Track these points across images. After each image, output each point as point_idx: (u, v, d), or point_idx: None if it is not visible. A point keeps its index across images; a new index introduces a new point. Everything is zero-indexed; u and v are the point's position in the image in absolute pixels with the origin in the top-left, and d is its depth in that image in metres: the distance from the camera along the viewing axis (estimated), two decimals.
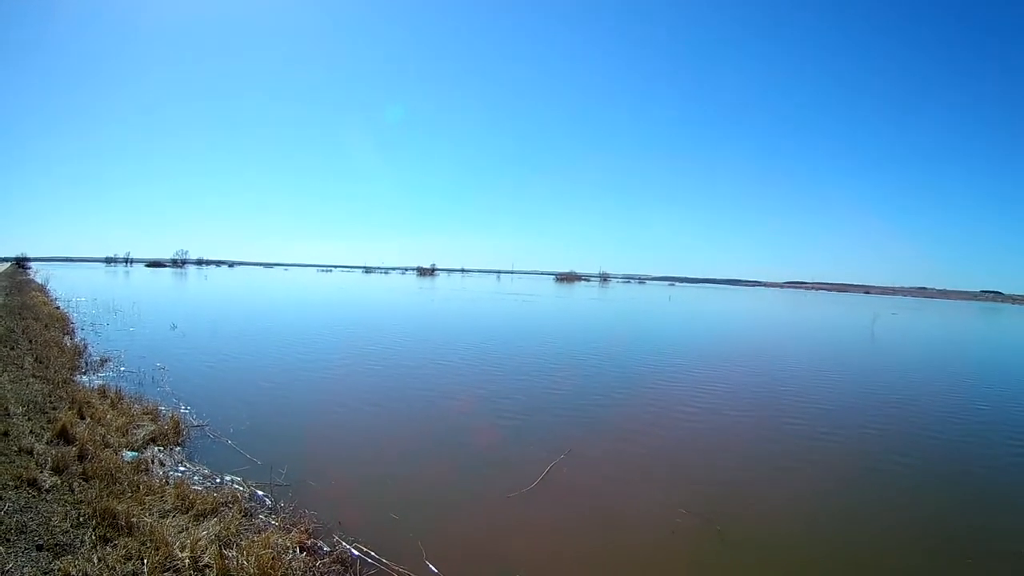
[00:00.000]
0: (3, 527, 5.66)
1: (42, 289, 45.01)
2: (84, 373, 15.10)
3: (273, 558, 5.82)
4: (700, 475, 10.35)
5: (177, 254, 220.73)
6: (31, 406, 10.19)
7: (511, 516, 8.25)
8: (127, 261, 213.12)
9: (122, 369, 16.31)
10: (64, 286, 52.40)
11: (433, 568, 6.48)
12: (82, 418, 9.95)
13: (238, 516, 6.94)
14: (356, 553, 6.63)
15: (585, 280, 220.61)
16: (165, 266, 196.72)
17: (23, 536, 5.61)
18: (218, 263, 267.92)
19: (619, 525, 8.17)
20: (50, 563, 5.26)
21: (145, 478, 7.85)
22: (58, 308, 31.28)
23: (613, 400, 15.84)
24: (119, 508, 6.32)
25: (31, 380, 12.37)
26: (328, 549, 6.64)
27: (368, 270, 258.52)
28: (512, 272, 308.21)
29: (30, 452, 7.82)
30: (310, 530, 6.87)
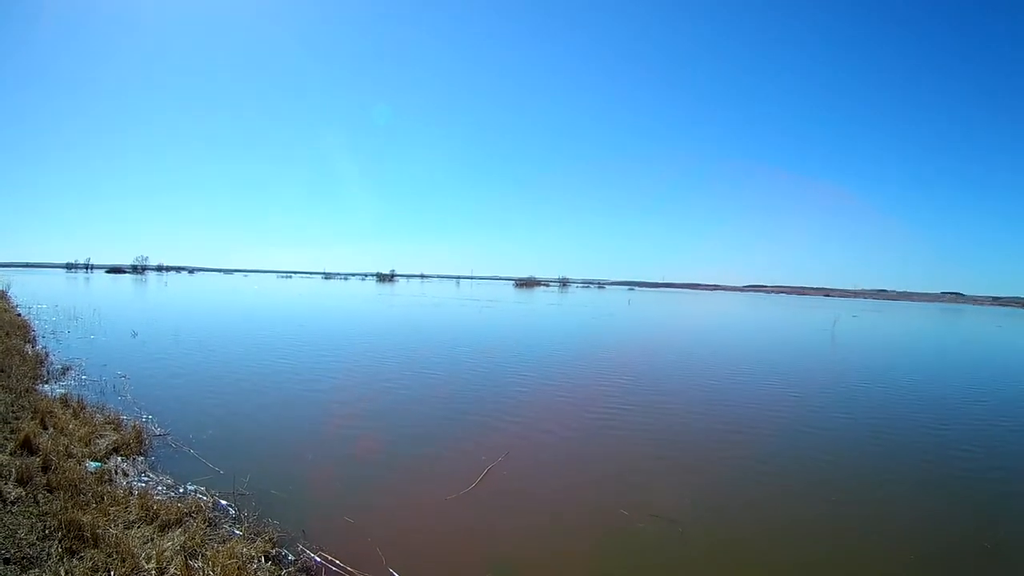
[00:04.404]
0: None
1: (3, 296, 44.13)
2: (46, 382, 14.99)
3: (238, 568, 5.99)
4: (649, 477, 10.66)
5: (137, 260, 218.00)
6: None
7: (457, 518, 8.49)
8: (87, 267, 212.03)
9: (84, 378, 16.19)
10: (25, 292, 51.67)
11: (396, 575, 6.65)
12: (45, 428, 9.96)
13: (202, 526, 7.04)
14: (320, 561, 6.78)
15: (545, 285, 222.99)
16: (125, 272, 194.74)
17: None
18: (178, 269, 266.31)
19: (569, 526, 8.48)
20: None
21: (109, 489, 7.91)
22: (19, 315, 30.78)
23: (555, 403, 16.30)
24: (84, 520, 6.42)
25: None
26: (293, 558, 6.77)
27: (328, 276, 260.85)
28: (472, 278, 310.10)
29: None
30: (274, 539, 7.02)
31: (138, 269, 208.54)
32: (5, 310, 31.63)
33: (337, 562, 6.77)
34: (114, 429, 10.82)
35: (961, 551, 8.14)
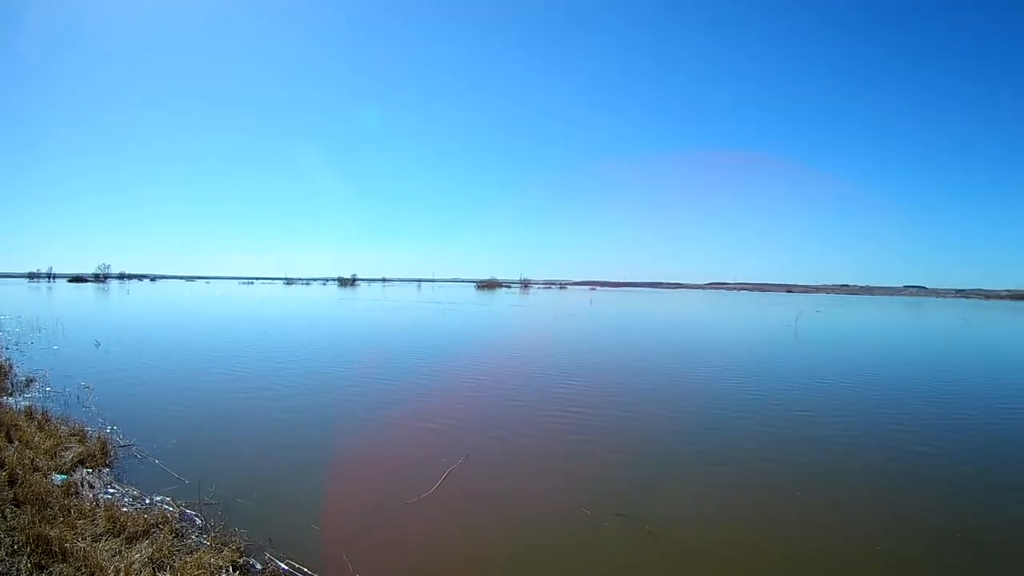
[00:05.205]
0: None
1: None
2: (10, 394, 14.99)
3: None
4: (612, 478, 10.79)
5: (99, 268, 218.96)
6: None
7: (420, 522, 8.64)
8: (50, 276, 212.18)
9: (48, 389, 16.17)
10: None
11: None
12: (10, 441, 9.98)
13: (169, 537, 7.15)
14: (287, 569, 6.91)
15: (506, 287, 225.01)
16: (88, 281, 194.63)
17: None
18: (140, 277, 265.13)
19: (533, 526, 8.67)
20: None
21: (76, 502, 8.00)
22: None
23: (515, 405, 16.53)
24: (52, 534, 6.53)
25: None
26: (260, 567, 6.91)
27: (289, 281, 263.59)
28: (433, 280, 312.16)
29: None
30: (241, 548, 7.16)
31: (100, 278, 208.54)
32: None
33: (305, 570, 6.90)
34: (79, 441, 10.84)
35: (930, 543, 8.34)
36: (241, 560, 6.89)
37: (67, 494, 8.19)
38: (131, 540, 6.97)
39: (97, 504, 8.06)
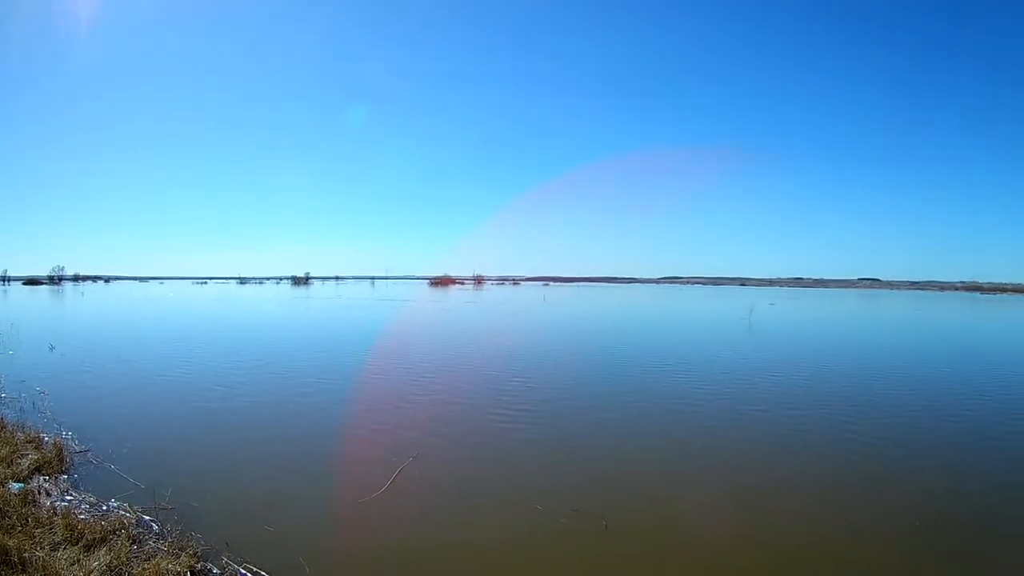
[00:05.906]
0: None
1: None
2: None
3: None
4: (564, 475, 11.05)
5: (54, 270, 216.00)
6: None
7: (372, 520, 8.90)
8: (4, 279, 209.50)
9: (3, 396, 16.11)
10: None
11: None
12: None
13: (127, 544, 7.28)
14: (245, 573, 7.09)
15: (460, 283, 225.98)
16: (42, 283, 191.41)
17: None
18: (94, 279, 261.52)
19: (485, 522, 8.94)
20: None
21: (33, 510, 8.08)
22: None
23: (465, 405, 16.82)
24: (11, 544, 6.64)
25: None
26: (218, 571, 7.08)
27: (243, 281, 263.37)
28: (387, 278, 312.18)
29: None
30: (199, 553, 7.31)
31: (55, 280, 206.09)
32: None
33: (262, 573, 7.08)
34: (35, 448, 10.88)
35: (891, 534, 8.58)
36: (199, 565, 7.06)
37: (25, 502, 8.27)
38: (89, 548, 7.10)
39: (55, 512, 8.14)
